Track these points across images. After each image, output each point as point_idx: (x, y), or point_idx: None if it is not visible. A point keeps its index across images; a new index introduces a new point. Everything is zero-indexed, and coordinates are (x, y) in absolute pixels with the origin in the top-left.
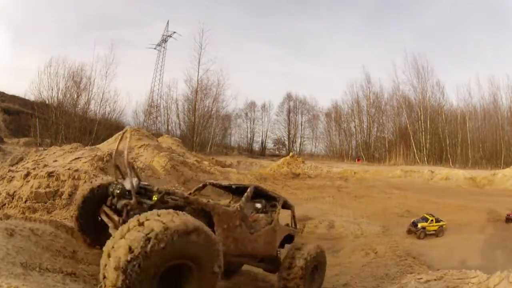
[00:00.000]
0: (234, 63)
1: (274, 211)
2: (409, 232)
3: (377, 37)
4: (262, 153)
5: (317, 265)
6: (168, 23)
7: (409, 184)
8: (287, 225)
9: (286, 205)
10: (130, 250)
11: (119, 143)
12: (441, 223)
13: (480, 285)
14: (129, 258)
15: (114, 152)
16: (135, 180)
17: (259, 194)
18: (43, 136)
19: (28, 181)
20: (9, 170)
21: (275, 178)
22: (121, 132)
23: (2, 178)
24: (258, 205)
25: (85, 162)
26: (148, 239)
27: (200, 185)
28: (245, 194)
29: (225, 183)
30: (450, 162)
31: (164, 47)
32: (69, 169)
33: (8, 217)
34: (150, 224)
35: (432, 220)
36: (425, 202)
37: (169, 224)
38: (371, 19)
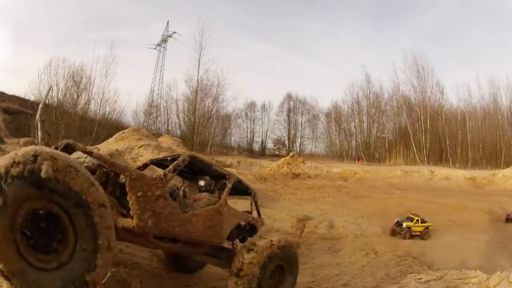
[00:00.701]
0: (234, 63)
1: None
2: (393, 233)
3: (377, 37)
4: (262, 153)
5: (282, 265)
6: (168, 23)
7: (409, 184)
8: (248, 212)
9: (242, 188)
10: None
11: (43, 103)
12: (426, 224)
13: (480, 285)
14: None
15: (38, 113)
16: (46, 137)
17: (203, 170)
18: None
19: None
20: None
21: (275, 178)
22: (47, 91)
23: None
24: (201, 182)
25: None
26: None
27: (141, 164)
28: (175, 162)
29: (161, 157)
30: (450, 162)
31: (164, 47)
32: None
33: None
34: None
35: (417, 220)
36: (425, 202)
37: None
38: (371, 19)
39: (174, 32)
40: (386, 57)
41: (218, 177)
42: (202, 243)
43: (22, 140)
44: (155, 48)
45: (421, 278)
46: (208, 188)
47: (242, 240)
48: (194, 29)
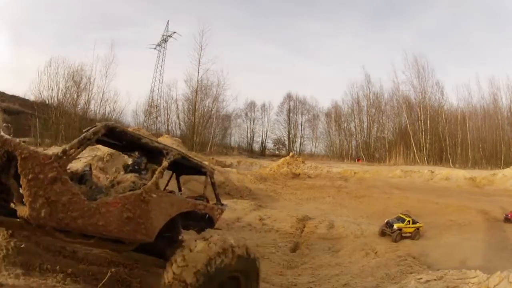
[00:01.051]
0: (234, 63)
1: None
2: (382, 234)
3: (377, 37)
4: (262, 153)
5: (236, 277)
6: (168, 23)
7: (409, 184)
8: (200, 198)
9: (192, 166)
10: None
11: None
12: (417, 225)
13: (480, 285)
14: None
15: None
16: None
17: (133, 144)
18: (43, 136)
19: None
20: None
21: (275, 178)
22: None
23: None
24: (129, 160)
25: (85, 162)
26: None
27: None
28: (83, 135)
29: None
30: (450, 162)
31: (164, 47)
32: (69, 169)
33: None
34: None
35: (409, 221)
36: (425, 202)
37: None
38: (372, 19)
39: (174, 32)
40: (386, 57)
41: (154, 153)
42: (120, 239)
43: (22, 140)
44: (155, 48)
45: (421, 278)
46: (136, 167)
47: (201, 232)
48: (194, 29)
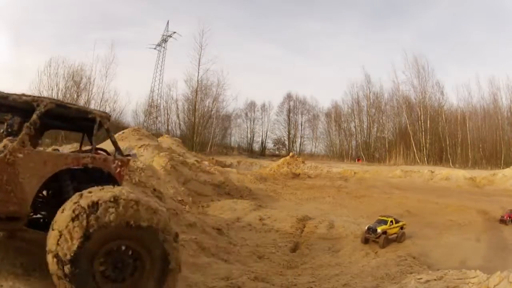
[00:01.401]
0: (234, 63)
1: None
2: (366, 241)
3: (377, 37)
4: (262, 153)
5: (137, 253)
6: (168, 23)
7: (409, 184)
8: (89, 150)
9: (73, 114)
10: None
11: None
12: (400, 224)
13: (480, 285)
14: None
15: None
16: None
17: (5, 105)
18: (43, 136)
19: None
20: None
21: (275, 178)
22: None
23: None
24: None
25: None
26: None
27: None
28: None
29: None
30: (450, 162)
31: (164, 47)
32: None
33: None
34: None
35: (391, 221)
36: (425, 202)
37: None
38: (372, 19)
39: (174, 32)
40: (386, 57)
41: (27, 110)
42: None
43: None
44: (155, 48)
45: (421, 278)
46: (9, 130)
47: None
48: (194, 29)
